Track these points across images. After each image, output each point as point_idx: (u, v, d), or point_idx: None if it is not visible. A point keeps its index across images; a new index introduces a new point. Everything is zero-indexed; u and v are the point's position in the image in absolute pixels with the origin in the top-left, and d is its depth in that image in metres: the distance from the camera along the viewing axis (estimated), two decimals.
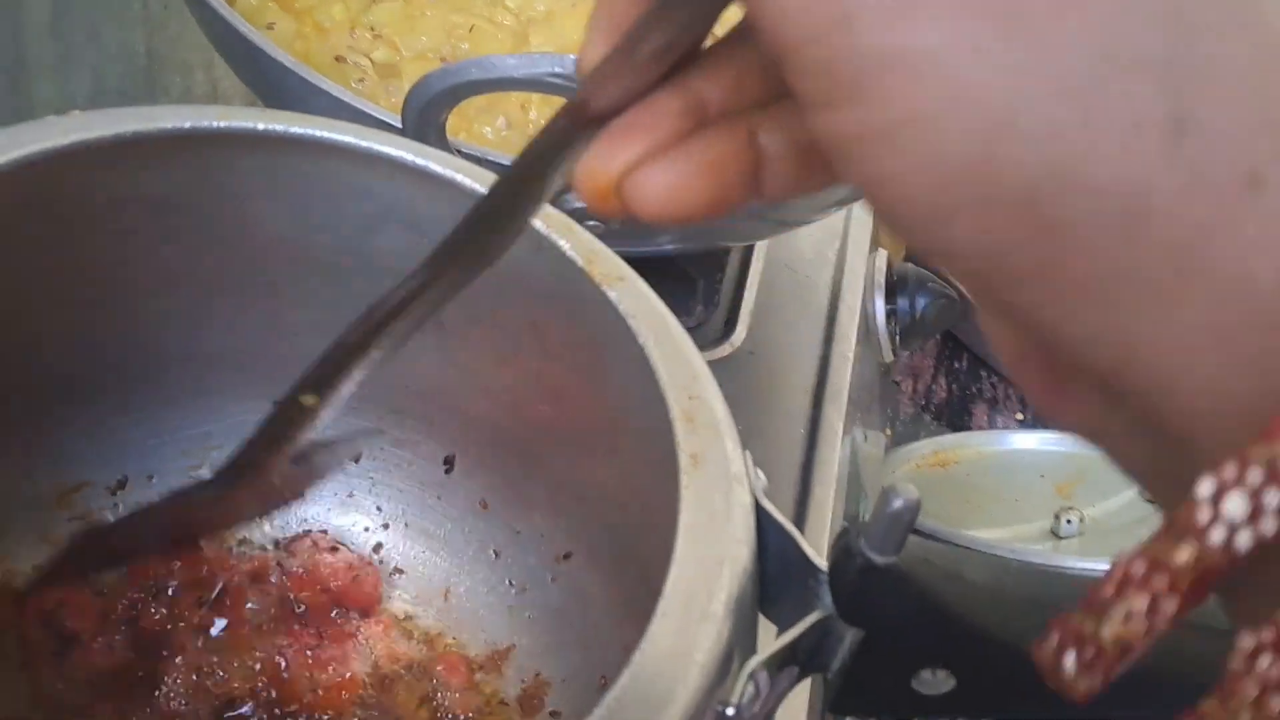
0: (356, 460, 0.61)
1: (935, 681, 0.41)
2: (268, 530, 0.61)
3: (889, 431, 1.08)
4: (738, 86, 0.28)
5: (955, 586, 0.40)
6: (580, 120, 0.28)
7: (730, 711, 0.36)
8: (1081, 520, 0.95)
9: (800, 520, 0.71)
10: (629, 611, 0.55)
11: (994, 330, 0.27)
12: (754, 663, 0.38)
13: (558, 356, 0.52)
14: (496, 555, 0.60)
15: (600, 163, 0.28)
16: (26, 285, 0.51)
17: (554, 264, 0.48)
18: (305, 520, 0.62)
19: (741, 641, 0.38)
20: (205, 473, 0.61)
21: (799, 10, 0.23)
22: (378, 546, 0.62)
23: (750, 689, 0.37)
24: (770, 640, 0.41)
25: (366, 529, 0.62)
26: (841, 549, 0.39)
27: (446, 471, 0.61)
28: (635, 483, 0.50)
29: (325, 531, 0.62)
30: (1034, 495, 0.99)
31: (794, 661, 0.40)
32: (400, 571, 0.62)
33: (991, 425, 1.16)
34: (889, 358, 0.91)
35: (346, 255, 0.54)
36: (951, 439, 1.07)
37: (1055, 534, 0.95)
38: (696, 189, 0.27)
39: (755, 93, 0.28)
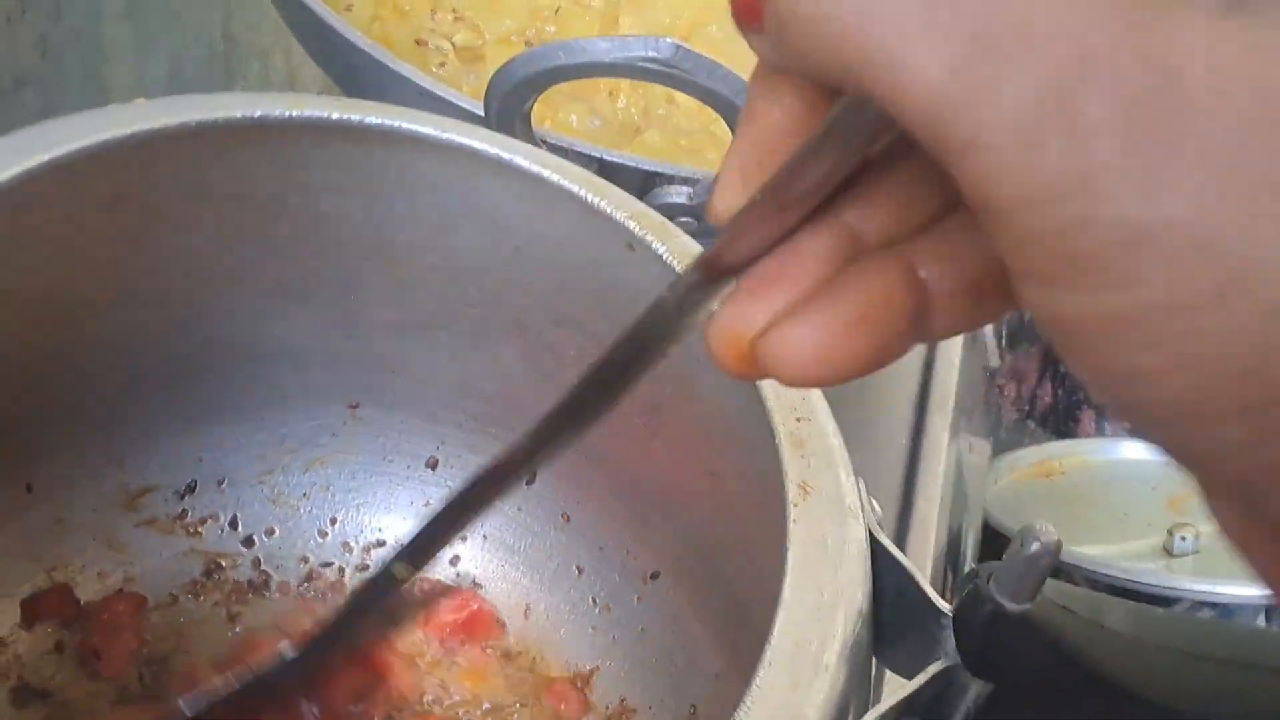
0: None
1: None
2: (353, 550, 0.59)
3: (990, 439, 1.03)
4: (898, 215, 0.23)
5: (1094, 634, 0.35)
6: (714, 272, 0.24)
7: None
8: (1197, 537, 0.89)
9: (902, 537, 0.67)
10: (720, 636, 0.51)
11: (1224, 512, 0.22)
12: (871, 718, 0.34)
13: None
14: (579, 572, 0.57)
15: (736, 322, 0.23)
16: (93, 280, 0.49)
17: (648, 267, 0.44)
18: (381, 529, 0.59)
19: (857, 692, 0.34)
20: (279, 478, 0.58)
21: (1022, 169, 0.18)
22: (455, 559, 0.59)
23: None
24: (885, 686, 0.37)
25: None
26: (969, 594, 0.35)
27: (528, 483, 0.57)
28: (733, 505, 0.46)
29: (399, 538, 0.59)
30: (1145, 509, 0.93)
31: (912, 713, 0.36)
32: (478, 586, 0.58)
33: (1099, 433, 1.10)
34: (995, 362, 0.86)
35: (425, 253, 0.51)
36: (1057, 447, 1.02)
37: (1168, 551, 0.89)
38: (849, 347, 0.22)
39: (918, 219, 0.23)
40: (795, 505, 0.36)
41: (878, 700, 0.36)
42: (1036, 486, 0.96)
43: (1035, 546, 0.33)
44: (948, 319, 0.23)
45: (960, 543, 0.77)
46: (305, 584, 0.58)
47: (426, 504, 0.59)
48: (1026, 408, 1.11)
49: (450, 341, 0.54)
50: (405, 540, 0.32)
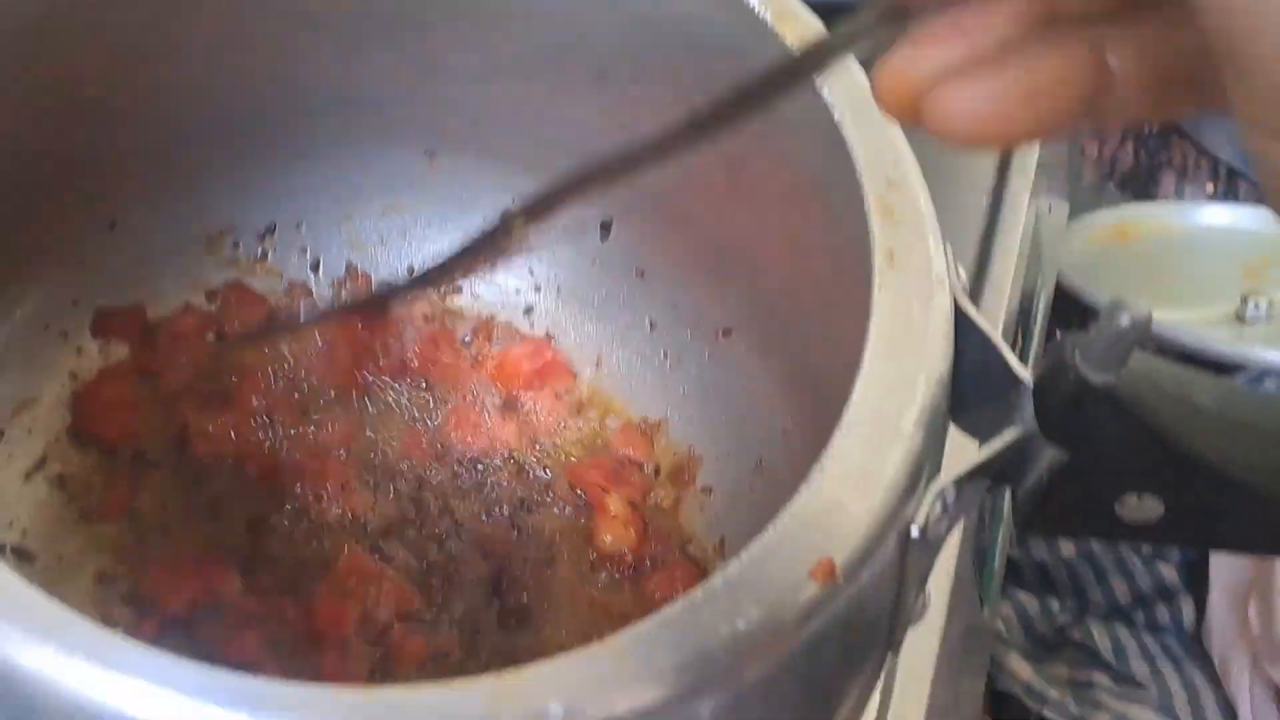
0: None
1: (1141, 507, 0.37)
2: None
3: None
4: None
5: (1178, 410, 0.35)
6: (889, 10, 0.23)
7: (916, 533, 0.33)
8: (1270, 305, 0.88)
9: (976, 298, 0.66)
10: (788, 399, 0.52)
11: None
12: (943, 482, 0.34)
13: None
14: (652, 326, 0.58)
15: (908, 66, 0.22)
16: (181, 23, 0.48)
17: (737, 17, 0.43)
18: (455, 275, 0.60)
19: (930, 458, 0.35)
20: (356, 224, 0.59)
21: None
22: (528, 310, 0.60)
23: (937, 508, 0.34)
24: (959, 451, 0.37)
25: (517, 290, 0.60)
26: (1053, 363, 0.35)
27: (603, 237, 0.57)
28: (813, 269, 0.46)
29: (474, 289, 0.60)
30: (1220, 276, 0.92)
31: (984, 477, 0.36)
32: (551, 337, 0.59)
33: (1179, 197, 1.08)
34: None
35: None
36: (1135, 210, 1.00)
37: (1240, 319, 0.88)
38: (1019, 116, 0.21)
39: (1117, 3, 0.22)
40: (881, 273, 0.36)
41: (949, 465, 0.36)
42: (1112, 250, 0.95)
43: (1125, 319, 0.32)
44: (1124, 109, 0.22)
45: (1033, 305, 0.77)
46: None
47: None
48: (1107, 169, 1.08)
49: (529, 91, 0.53)
50: (532, 196, 0.34)
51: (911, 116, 0.23)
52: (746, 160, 0.48)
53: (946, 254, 0.38)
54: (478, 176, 0.58)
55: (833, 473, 0.32)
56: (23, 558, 0.49)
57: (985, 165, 0.74)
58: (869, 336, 0.35)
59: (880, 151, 0.39)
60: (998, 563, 0.69)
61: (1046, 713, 0.75)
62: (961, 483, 0.35)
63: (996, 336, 0.37)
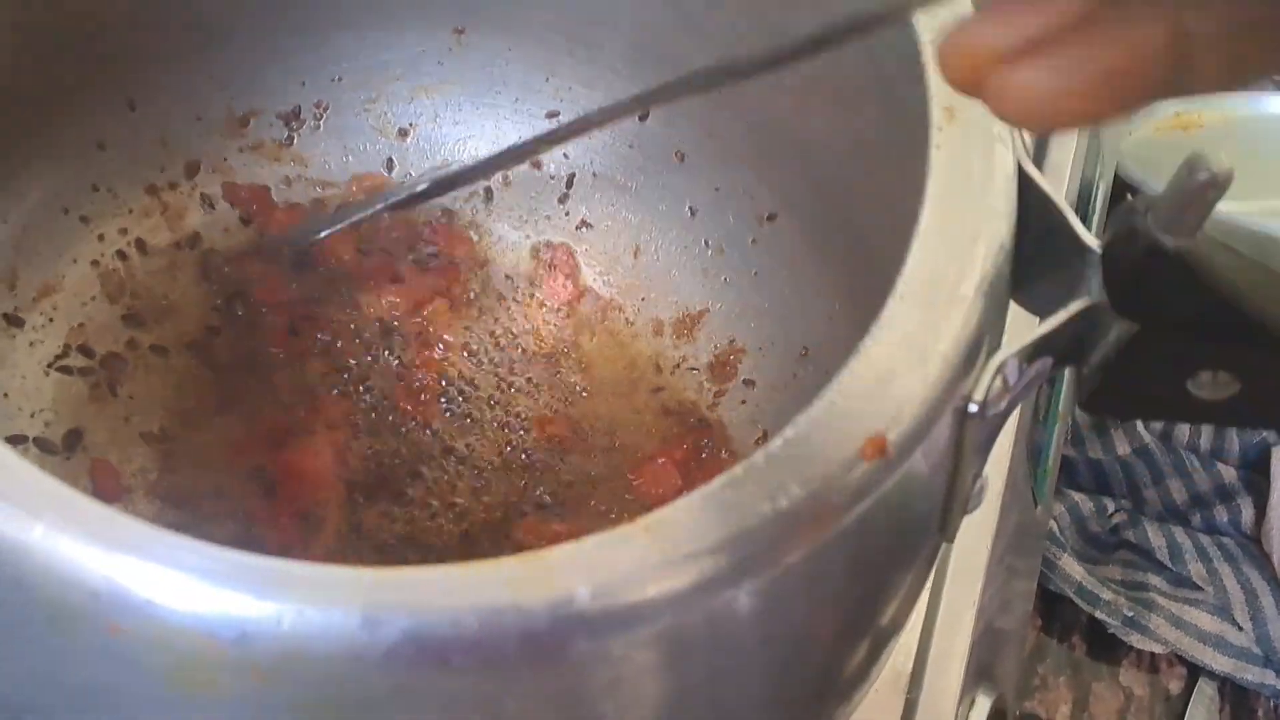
0: None
1: (1215, 385, 0.34)
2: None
3: None
4: None
5: (1257, 277, 0.33)
6: None
7: (974, 409, 0.31)
8: None
9: None
10: (838, 281, 0.50)
11: None
12: (1004, 355, 0.32)
13: None
14: (692, 213, 0.55)
15: (976, 40, 0.21)
16: None
17: None
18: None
19: (991, 330, 0.32)
20: (383, 107, 0.56)
21: None
22: (563, 198, 0.57)
23: (997, 384, 0.32)
24: (1021, 326, 0.35)
25: (552, 177, 0.57)
26: (1122, 227, 0.32)
27: (641, 118, 0.55)
28: (865, 137, 0.43)
29: (506, 175, 0.57)
30: None
31: (1048, 352, 0.34)
32: (587, 225, 0.57)
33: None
34: None
35: None
36: (1197, 100, 0.95)
37: None
38: (1094, 97, 0.20)
39: None
40: (939, 130, 0.34)
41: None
42: (1174, 139, 0.91)
43: (1203, 175, 0.29)
44: (1203, 78, 0.20)
45: (1091, 194, 0.74)
46: None
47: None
48: None
49: None
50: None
51: (975, 90, 0.21)
52: (791, 30, 0.45)
53: None
54: (508, 55, 0.55)
55: (885, 342, 0.30)
56: (46, 449, 0.48)
57: None
58: (925, 197, 0.32)
59: (940, 8, 0.36)
60: (1052, 460, 0.66)
61: (1099, 614, 0.73)
62: (1024, 356, 0.32)
63: (1060, 200, 0.34)
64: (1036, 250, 0.35)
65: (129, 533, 0.25)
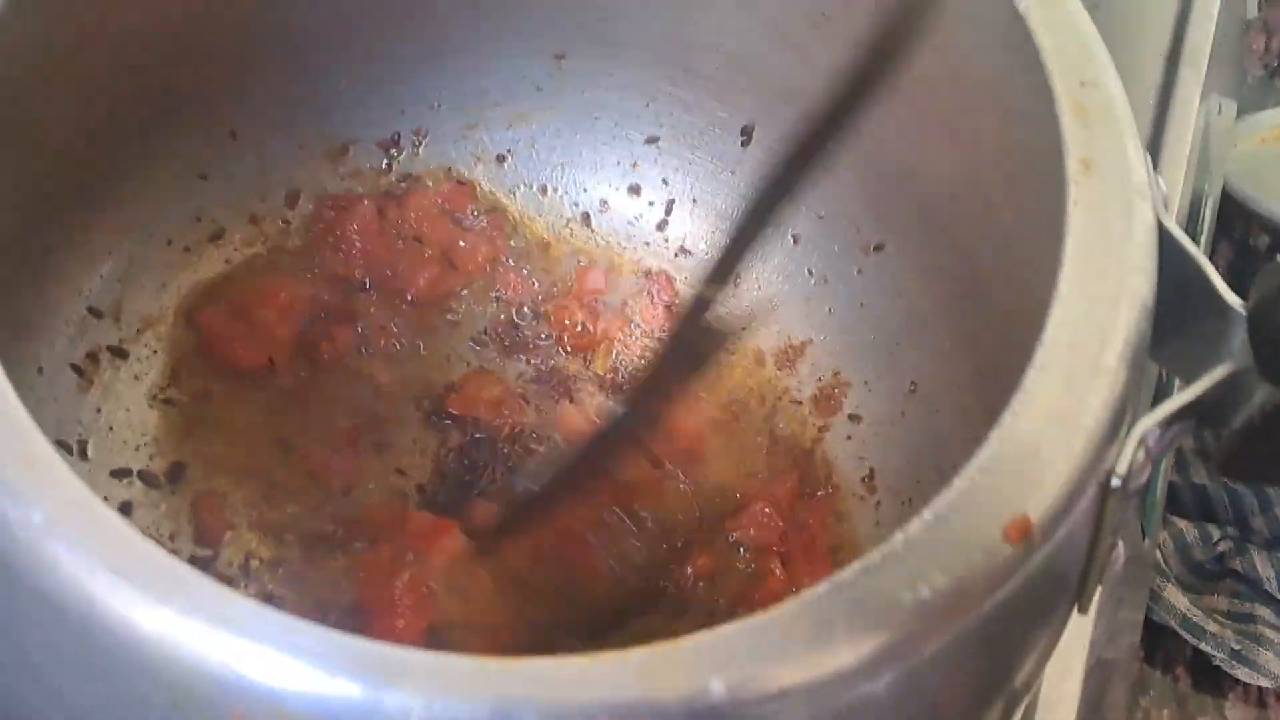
0: None
1: None
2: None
3: None
4: None
5: None
6: None
7: (1117, 483, 0.30)
8: None
9: None
10: (949, 318, 0.48)
11: None
12: (1147, 424, 0.30)
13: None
14: (795, 241, 0.54)
15: None
16: None
17: None
18: (586, 188, 0.57)
19: (1133, 397, 0.31)
20: (481, 134, 0.56)
21: None
22: (662, 224, 0.56)
23: (1140, 454, 0.30)
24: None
25: (651, 203, 0.56)
26: (1271, 288, 0.31)
27: (744, 144, 0.54)
28: (985, 179, 0.41)
29: (605, 201, 0.56)
30: None
31: (1190, 417, 0.32)
32: (686, 253, 0.56)
33: None
34: (1253, 12, 0.76)
35: None
36: None
37: None
38: None
39: None
40: (1075, 184, 0.32)
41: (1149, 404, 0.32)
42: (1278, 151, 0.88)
43: None
44: None
45: (1200, 211, 0.71)
46: None
47: (634, 165, 0.56)
48: (1276, 63, 1.00)
49: None
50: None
51: None
52: (914, 65, 0.44)
53: (1147, 162, 0.34)
54: (609, 80, 0.54)
55: (1026, 416, 0.29)
56: (149, 483, 0.48)
57: (1153, 60, 0.68)
58: (1064, 257, 0.31)
59: (1071, 46, 0.34)
60: (1160, 491, 0.64)
61: (1204, 646, 0.71)
62: (1167, 425, 0.31)
63: (1202, 257, 0.33)
64: (1172, 307, 0.33)
65: (253, 618, 0.24)
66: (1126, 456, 0.30)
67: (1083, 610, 0.33)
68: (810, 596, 0.26)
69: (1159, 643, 0.72)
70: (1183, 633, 0.71)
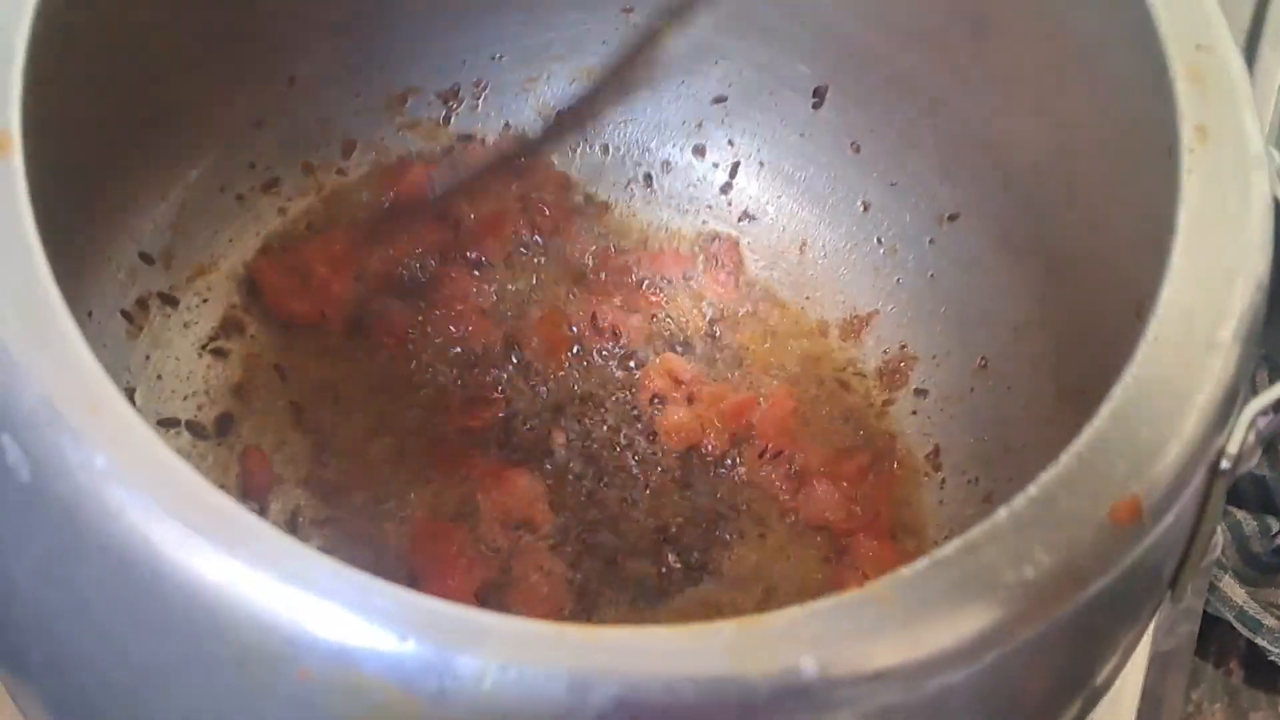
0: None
1: None
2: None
3: None
4: None
5: None
6: None
7: (1226, 465, 0.28)
8: None
9: None
10: (1027, 291, 0.46)
11: None
12: (1259, 404, 0.29)
13: None
14: (865, 209, 0.52)
15: None
16: None
17: None
18: (648, 148, 0.55)
19: (1247, 377, 0.29)
20: (543, 87, 0.54)
21: None
22: (725, 187, 0.55)
23: (1251, 437, 0.29)
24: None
25: (715, 165, 0.55)
26: None
27: (815, 106, 0.52)
28: (1072, 145, 0.40)
29: (668, 162, 0.55)
30: None
31: None
32: (750, 217, 0.54)
33: None
34: None
35: None
36: None
37: None
38: None
39: None
40: (1190, 152, 0.30)
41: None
42: None
43: None
44: None
45: None
46: None
47: (699, 125, 0.54)
48: None
49: None
50: None
51: None
52: (1000, 19, 0.42)
53: (1261, 133, 0.32)
54: (676, 36, 0.53)
55: (1139, 392, 0.27)
56: (197, 434, 0.47)
57: (1233, 33, 0.66)
58: (1177, 228, 0.29)
59: (1185, 9, 0.33)
60: None
61: (1260, 640, 0.69)
62: (1277, 409, 0.29)
63: None
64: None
65: (326, 575, 0.23)
66: (1237, 438, 0.28)
67: (1176, 600, 0.31)
68: (908, 573, 0.24)
69: (1212, 635, 0.70)
70: (1238, 626, 0.69)
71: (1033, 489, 0.25)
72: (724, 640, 0.23)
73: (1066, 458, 0.26)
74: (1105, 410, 0.27)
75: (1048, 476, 0.26)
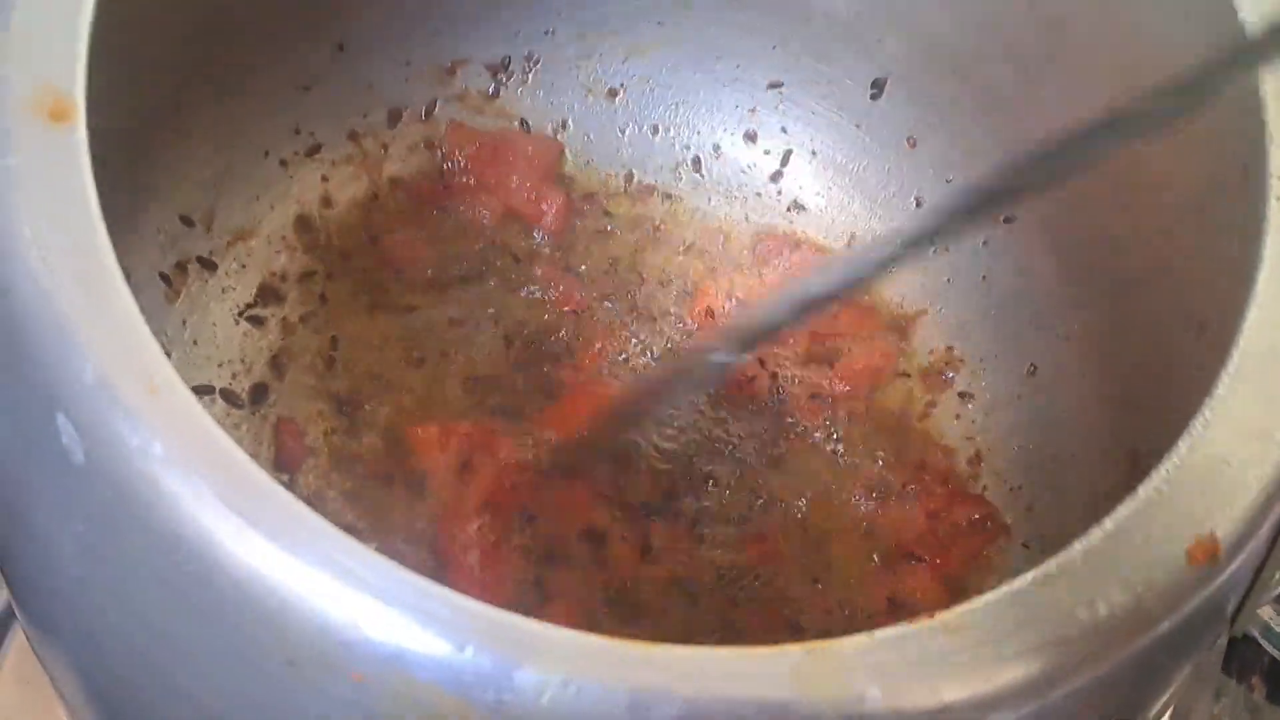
0: None
1: None
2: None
3: None
4: None
5: None
6: None
7: None
8: None
9: None
10: (1080, 299, 0.46)
11: None
12: None
13: None
14: (918, 204, 0.51)
15: None
16: None
17: None
18: (699, 131, 0.54)
19: None
20: (595, 65, 0.53)
21: None
22: (776, 175, 0.54)
23: None
24: None
25: (766, 152, 0.54)
26: None
27: (873, 96, 0.51)
28: (1150, 158, 0.39)
29: (718, 147, 0.54)
30: None
31: None
32: (800, 208, 0.53)
33: None
34: None
35: None
36: None
37: None
38: None
39: None
40: (1278, 179, 0.29)
41: None
42: None
43: None
44: None
45: None
46: None
47: (752, 111, 0.53)
48: None
49: None
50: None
51: None
52: (1074, 20, 0.41)
53: None
54: (735, 19, 0.51)
55: (1219, 426, 0.26)
56: (231, 402, 0.46)
57: None
58: (1263, 255, 0.28)
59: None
60: None
61: None
62: None
63: None
64: None
65: (386, 578, 0.23)
66: None
67: (1235, 632, 0.31)
68: (979, 605, 0.24)
69: (1234, 650, 0.70)
70: (1264, 643, 0.68)
71: (1109, 523, 0.25)
72: (790, 665, 0.23)
73: (1144, 491, 0.25)
74: (1183, 444, 0.26)
75: (1124, 510, 0.25)
